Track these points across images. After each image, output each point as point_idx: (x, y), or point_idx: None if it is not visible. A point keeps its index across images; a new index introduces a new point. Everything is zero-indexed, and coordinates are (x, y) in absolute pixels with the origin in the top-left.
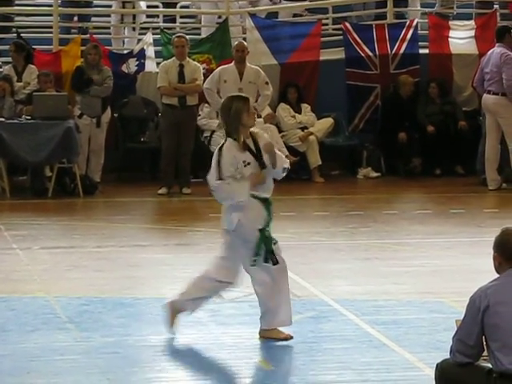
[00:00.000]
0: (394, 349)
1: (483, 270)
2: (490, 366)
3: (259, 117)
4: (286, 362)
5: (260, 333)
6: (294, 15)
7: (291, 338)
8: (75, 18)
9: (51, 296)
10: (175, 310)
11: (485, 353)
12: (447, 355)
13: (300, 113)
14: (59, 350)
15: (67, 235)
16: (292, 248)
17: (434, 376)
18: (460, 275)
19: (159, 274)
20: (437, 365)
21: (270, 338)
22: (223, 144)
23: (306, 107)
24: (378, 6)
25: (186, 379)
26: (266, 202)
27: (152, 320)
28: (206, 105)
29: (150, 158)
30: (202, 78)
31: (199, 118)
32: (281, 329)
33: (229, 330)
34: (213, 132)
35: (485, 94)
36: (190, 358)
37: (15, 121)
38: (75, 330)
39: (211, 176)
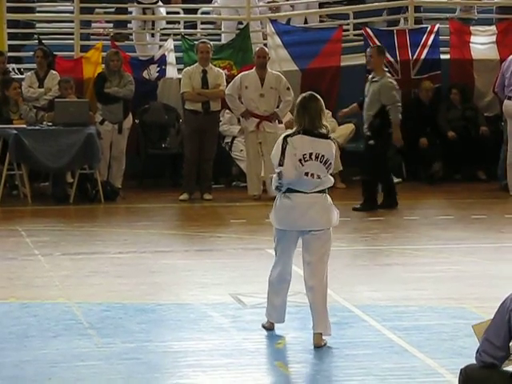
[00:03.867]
0: (415, 355)
1: (505, 276)
2: None
3: (280, 123)
4: (308, 368)
5: None
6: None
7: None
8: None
9: (73, 302)
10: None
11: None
12: (469, 361)
13: None
14: (81, 356)
15: (89, 241)
16: None
17: (457, 382)
18: (482, 281)
19: (181, 280)
20: (461, 370)
21: None
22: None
23: (327, 113)
24: (396, 12)
25: None
26: None
27: (173, 326)
28: (227, 111)
29: (171, 163)
30: (225, 83)
31: (220, 123)
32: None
33: (250, 335)
34: (234, 138)
35: (506, 100)
36: (212, 364)
37: (37, 127)
38: (96, 336)
39: None
